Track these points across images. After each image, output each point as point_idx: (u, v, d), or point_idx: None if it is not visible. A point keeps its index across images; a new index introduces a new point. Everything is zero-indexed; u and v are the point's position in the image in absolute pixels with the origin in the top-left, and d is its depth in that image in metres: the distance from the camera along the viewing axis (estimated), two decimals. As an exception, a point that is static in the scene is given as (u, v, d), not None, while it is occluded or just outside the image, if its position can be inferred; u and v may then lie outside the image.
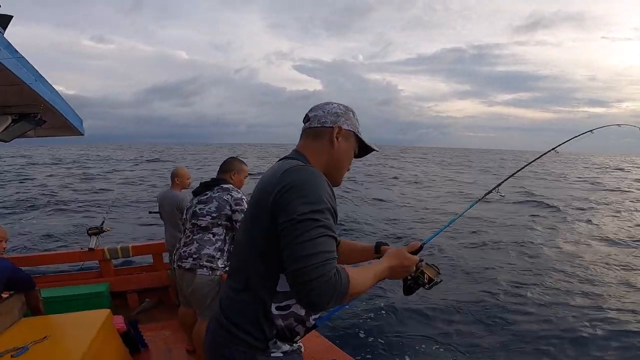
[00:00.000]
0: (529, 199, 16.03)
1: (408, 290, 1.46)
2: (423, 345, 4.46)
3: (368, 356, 4.32)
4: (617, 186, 22.77)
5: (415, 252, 1.41)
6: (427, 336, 4.66)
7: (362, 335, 4.81)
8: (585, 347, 4.42)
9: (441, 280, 1.45)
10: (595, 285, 6.49)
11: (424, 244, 1.48)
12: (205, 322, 2.65)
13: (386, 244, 1.56)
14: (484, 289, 6.16)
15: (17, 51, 1.64)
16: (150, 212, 5.21)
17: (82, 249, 4.76)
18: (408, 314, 5.20)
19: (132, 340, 3.13)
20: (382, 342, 4.61)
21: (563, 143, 2.18)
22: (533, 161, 2.06)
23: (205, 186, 2.91)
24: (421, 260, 1.41)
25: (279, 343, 1.25)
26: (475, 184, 22.58)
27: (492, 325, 4.96)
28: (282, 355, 1.25)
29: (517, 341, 4.56)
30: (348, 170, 1.42)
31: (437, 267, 1.46)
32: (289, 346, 1.28)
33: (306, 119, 1.40)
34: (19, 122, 2.49)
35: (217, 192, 2.82)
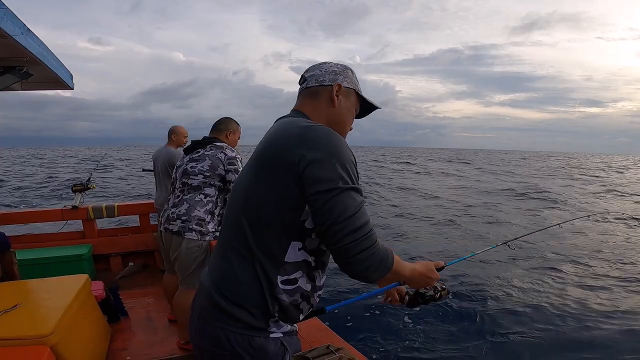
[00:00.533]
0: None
1: (413, 302, 1.52)
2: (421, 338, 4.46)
3: (362, 344, 4.23)
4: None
5: (438, 270, 1.40)
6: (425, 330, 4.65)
7: (359, 327, 4.75)
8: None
9: (444, 299, 1.54)
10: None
11: (447, 265, 1.50)
12: (187, 292, 2.58)
13: None
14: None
15: (3, 4, 1.55)
16: (143, 170, 5.06)
17: (64, 207, 4.63)
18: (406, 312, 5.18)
19: (111, 308, 3.05)
20: (381, 337, 4.59)
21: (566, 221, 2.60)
22: (566, 222, 2.40)
23: (198, 144, 2.75)
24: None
25: (281, 322, 1.15)
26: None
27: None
28: (281, 335, 1.15)
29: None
30: (350, 129, 1.36)
31: (448, 289, 1.54)
32: (289, 326, 1.18)
33: (302, 79, 1.32)
34: (4, 75, 2.39)
35: (211, 150, 2.66)
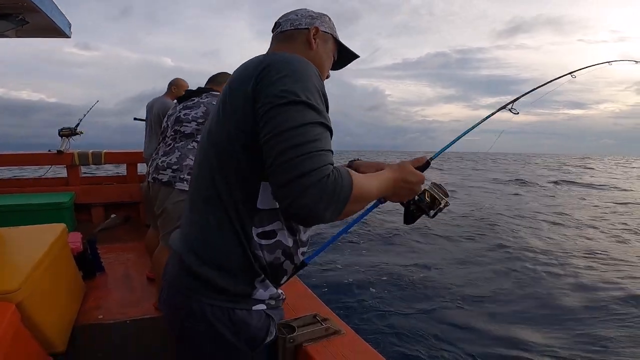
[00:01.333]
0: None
1: (410, 216, 1.21)
2: (412, 320, 4.45)
3: (354, 317, 4.23)
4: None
5: (421, 168, 1.15)
6: (415, 310, 4.67)
7: (346, 297, 4.74)
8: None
9: (447, 204, 1.19)
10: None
11: (432, 159, 1.21)
12: (168, 249, 2.46)
13: (358, 159, 1.32)
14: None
15: None
16: (135, 119, 4.89)
17: (49, 150, 4.49)
18: (399, 288, 5.18)
19: (88, 263, 2.98)
20: (368, 306, 4.58)
21: (580, 69, 1.83)
22: (549, 82, 1.81)
23: (193, 93, 2.61)
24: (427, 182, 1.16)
25: (267, 282, 1.01)
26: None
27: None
28: (265, 307, 1.02)
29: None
30: (328, 77, 1.24)
31: (444, 188, 1.20)
32: (274, 290, 1.04)
33: (276, 25, 1.20)
34: None
35: (206, 97, 2.53)
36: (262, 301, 1.01)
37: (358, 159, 1.33)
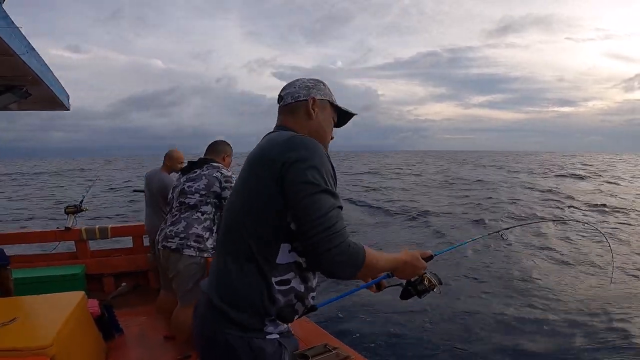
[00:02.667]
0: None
1: (405, 294, 1.52)
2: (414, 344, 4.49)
3: (356, 342, 4.30)
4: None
5: (426, 260, 1.47)
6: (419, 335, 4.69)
7: (351, 327, 4.82)
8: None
9: (439, 292, 1.49)
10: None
11: (435, 254, 1.54)
12: (186, 309, 2.61)
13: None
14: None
15: (13, 22, 1.60)
16: (134, 191, 5.09)
17: (58, 228, 4.65)
18: (402, 314, 5.22)
19: (107, 325, 3.07)
20: (373, 334, 4.64)
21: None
22: (544, 221, 2.30)
23: (194, 164, 2.85)
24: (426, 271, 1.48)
25: (277, 321, 1.22)
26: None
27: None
28: (278, 336, 1.22)
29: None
30: (332, 139, 1.47)
31: (439, 278, 1.51)
32: (285, 326, 1.25)
33: (280, 99, 1.43)
34: (4, 94, 2.43)
35: (207, 169, 2.76)
36: (274, 332, 1.22)
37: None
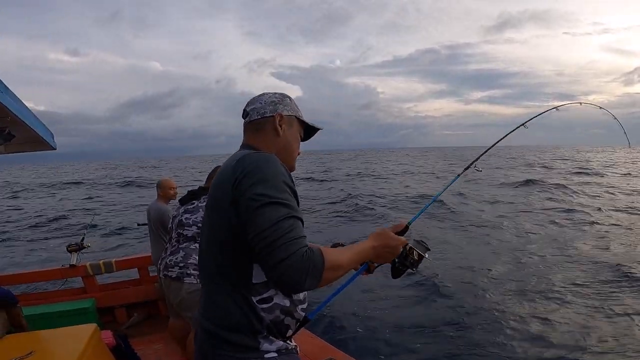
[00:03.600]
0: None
1: (396, 272, 1.43)
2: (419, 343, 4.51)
3: (365, 355, 4.35)
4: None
5: (401, 233, 1.42)
6: (423, 333, 4.70)
7: (357, 334, 4.85)
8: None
9: (430, 258, 1.42)
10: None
11: (409, 223, 1.47)
12: None
13: (342, 244, 1.55)
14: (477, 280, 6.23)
15: None
16: (138, 225, 5.14)
17: (63, 266, 4.68)
18: (404, 312, 5.24)
19: (124, 354, 3.08)
20: (378, 339, 4.67)
21: (531, 119, 2.26)
22: (504, 137, 2.13)
23: (193, 195, 2.90)
24: (408, 241, 1.38)
25: (271, 338, 1.22)
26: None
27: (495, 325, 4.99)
28: (276, 355, 1.22)
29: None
30: (299, 154, 1.45)
31: (425, 244, 1.42)
32: (282, 342, 1.25)
33: (245, 114, 1.41)
34: None
35: (204, 201, 2.79)
36: (272, 351, 1.22)
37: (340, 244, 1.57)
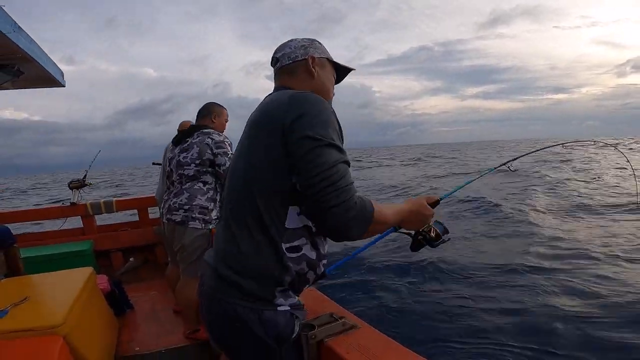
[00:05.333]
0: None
1: (417, 245, 1.49)
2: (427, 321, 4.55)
3: (366, 314, 4.33)
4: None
5: (432, 205, 1.45)
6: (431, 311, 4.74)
7: (358, 297, 4.89)
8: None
9: (449, 239, 1.49)
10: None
11: (442, 198, 1.51)
12: (190, 281, 2.65)
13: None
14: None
15: None
16: (153, 164, 5.14)
17: (62, 203, 4.74)
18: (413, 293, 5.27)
19: (117, 300, 3.16)
20: (380, 304, 4.70)
21: (572, 142, 2.54)
22: (540, 149, 2.36)
23: (186, 134, 2.84)
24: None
25: (289, 292, 1.20)
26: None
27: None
28: (289, 308, 1.20)
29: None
30: (333, 95, 1.45)
31: (444, 227, 1.48)
32: (296, 299, 1.23)
33: (274, 61, 1.40)
34: None
35: (198, 137, 2.75)
36: (285, 304, 1.20)
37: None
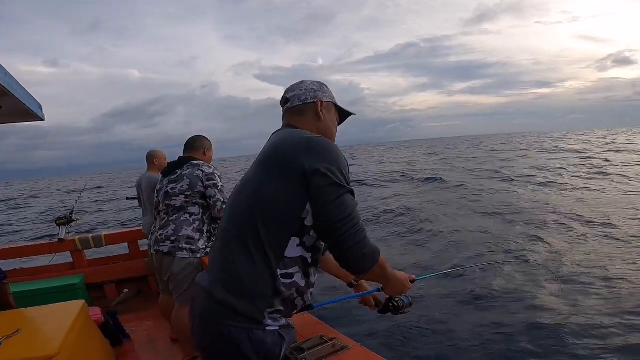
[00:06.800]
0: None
1: (385, 309, 1.72)
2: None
3: (357, 334, 4.35)
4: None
5: (411, 282, 1.64)
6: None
7: (348, 318, 4.87)
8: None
9: (408, 312, 1.72)
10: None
11: (417, 279, 1.73)
12: (184, 309, 2.61)
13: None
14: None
15: None
16: (127, 199, 5.15)
17: (50, 240, 4.71)
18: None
19: (112, 331, 3.15)
20: (370, 323, 4.71)
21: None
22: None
23: (175, 165, 2.89)
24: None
25: (278, 315, 1.28)
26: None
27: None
28: (277, 328, 1.27)
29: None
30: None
31: (410, 301, 1.73)
32: (284, 320, 1.30)
33: (284, 100, 1.53)
34: None
35: (188, 169, 2.80)
36: (273, 325, 1.27)
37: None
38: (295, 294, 1.30)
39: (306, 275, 1.32)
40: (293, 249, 1.27)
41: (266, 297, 1.25)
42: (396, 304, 1.68)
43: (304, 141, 1.30)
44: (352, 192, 1.28)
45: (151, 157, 4.44)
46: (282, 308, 1.28)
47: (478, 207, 11.26)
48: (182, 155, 2.99)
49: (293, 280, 1.28)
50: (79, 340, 2.20)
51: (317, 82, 1.55)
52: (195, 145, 2.98)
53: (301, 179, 1.23)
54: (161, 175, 2.97)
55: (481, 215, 10.33)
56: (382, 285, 1.62)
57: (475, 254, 6.98)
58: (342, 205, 1.23)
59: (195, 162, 2.85)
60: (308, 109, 1.48)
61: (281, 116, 1.55)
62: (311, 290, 1.37)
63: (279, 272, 1.25)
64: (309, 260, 1.32)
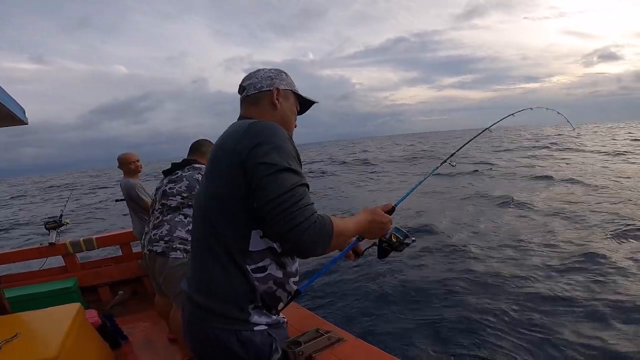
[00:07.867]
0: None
1: (383, 252, 1.58)
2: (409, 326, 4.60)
3: (349, 326, 4.39)
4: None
5: (389, 213, 1.52)
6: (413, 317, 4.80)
7: (343, 309, 4.96)
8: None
9: (414, 241, 1.57)
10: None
11: (396, 205, 1.59)
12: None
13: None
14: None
15: None
16: (116, 201, 5.13)
17: (41, 244, 4.67)
18: (394, 295, 5.33)
19: (110, 333, 3.15)
20: (363, 313, 4.79)
21: (495, 123, 2.66)
22: (472, 139, 2.41)
23: (177, 166, 2.90)
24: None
25: (262, 310, 1.28)
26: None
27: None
28: (266, 327, 1.28)
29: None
30: (295, 127, 1.53)
31: (405, 232, 1.56)
32: (273, 316, 1.31)
33: (241, 89, 1.49)
34: None
35: (188, 171, 2.81)
36: (262, 324, 1.28)
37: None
38: (273, 286, 1.29)
39: (281, 265, 1.30)
40: (257, 242, 1.25)
41: (244, 294, 1.25)
42: (390, 242, 1.54)
43: (243, 129, 1.27)
44: (292, 171, 1.18)
45: (126, 162, 4.36)
46: (264, 302, 1.28)
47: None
48: (186, 157, 3.00)
49: (267, 273, 1.27)
50: (78, 344, 2.21)
51: (275, 69, 1.50)
52: (202, 150, 2.99)
53: (242, 165, 1.20)
54: (163, 175, 2.98)
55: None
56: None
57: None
58: (275, 182, 1.14)
59: (197, 165, 2.86)
60: (264, 97, 1.44)
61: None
62: (293, 279, 1.36)
63: (248, 267, 1.24)
64: (279, 250, 1.29)
